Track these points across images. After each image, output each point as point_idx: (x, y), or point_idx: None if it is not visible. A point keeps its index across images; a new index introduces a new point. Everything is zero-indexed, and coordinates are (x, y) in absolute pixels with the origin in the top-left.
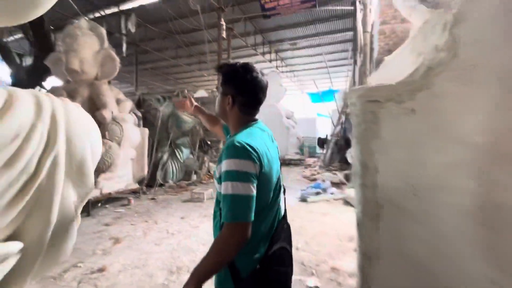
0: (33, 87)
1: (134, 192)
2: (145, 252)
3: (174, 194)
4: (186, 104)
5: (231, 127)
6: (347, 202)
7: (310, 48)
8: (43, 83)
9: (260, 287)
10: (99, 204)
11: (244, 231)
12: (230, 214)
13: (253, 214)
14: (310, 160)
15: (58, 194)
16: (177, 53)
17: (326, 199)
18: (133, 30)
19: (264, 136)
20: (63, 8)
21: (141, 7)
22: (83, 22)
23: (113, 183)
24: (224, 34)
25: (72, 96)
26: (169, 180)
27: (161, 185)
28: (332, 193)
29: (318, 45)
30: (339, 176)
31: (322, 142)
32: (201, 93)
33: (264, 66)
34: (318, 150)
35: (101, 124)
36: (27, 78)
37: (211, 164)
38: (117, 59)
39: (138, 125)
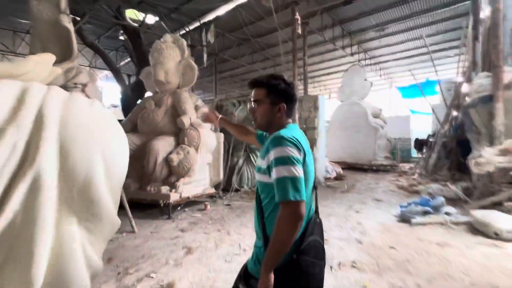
0: (135, 101)
1: (210, 196)
2: (215, 270)
3: (250, 201)
4: (211, 117)
5: (275, 129)
6: (475, 230)
7: (401, 33)
8: (144, 97)
9: (295, 277)
10: (179, 208)
11: (301, 208)
12: (287, 193)
13: (304, 193)
14: (405, 166)
15: (43, 238)
16: (252, 59)
17: (439, 221)
18: (212, 40)
19: (301, 133)
20: (158, 30)
21: (218, 17)
22: (167, 37)
23: (191, 187)
24: (299, 29)
25: (158, 104)
26: (244, 185)
27: (236, 190)
28: (448, 214)
29: (411, 29)
30: (454, 189)
31: (420, 145)
32: None
33: (345, 61)
34: (414, 153)
35: (181, 130)
36: (131, 94)
37: None
38: (196, 67)
39: (214, 130)
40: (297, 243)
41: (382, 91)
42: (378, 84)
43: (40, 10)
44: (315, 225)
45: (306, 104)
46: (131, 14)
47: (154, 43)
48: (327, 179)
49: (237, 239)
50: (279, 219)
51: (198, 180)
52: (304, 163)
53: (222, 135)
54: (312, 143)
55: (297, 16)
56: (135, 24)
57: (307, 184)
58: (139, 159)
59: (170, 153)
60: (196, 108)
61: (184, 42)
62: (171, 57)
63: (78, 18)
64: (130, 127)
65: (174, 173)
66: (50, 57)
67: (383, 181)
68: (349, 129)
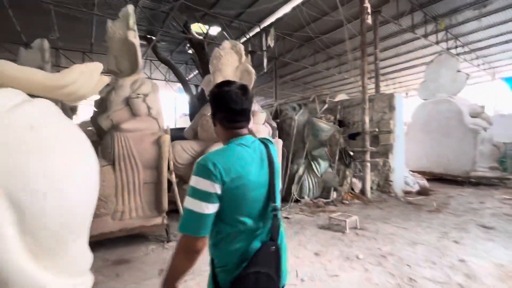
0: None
1: None
2: None
3: (310, 214)
4: None
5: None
6: None
7: (509, 9)
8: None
9: None
10: None
11: (197, 244)
12: (186, 227)
13: (205, 230)
14: None
15: None
16: (315, 59)
17: None
18: (272, 44)
19: (244, 153)
20: (221, 40)
21: (278, 20)
22: (225, 43)
23: None
24: (369, 20)
25: None
26: (305, 196)
27: (296, 200)
28: None
29: None
30: None
31: None
32: (342, 96)
33: (427, 52)
34: None
35: None
36: (197, 103)
37: (354, 180)
38: (253, 72)
39: (273, 136)
40: (235, 274)
41: (481, 85)
42: (475, 77)
43: (114, 30)
44: (264, 255)
45: (378, 104)
46: (197, 28)
47: (214, 51)
48: (406, 193)
49: (294, 264)
50: (175, 247)
51: None
52: (225, 191)
53: (280, 141)
54: (387, 149)
55: (367, 5)
56: (200, 37)
57: (236, 213)
58: None
59: None
60: (253, 114)
61: (242, 47)
62: (229, 63)
63: (154, 38)
64: (192, 134)
65: None
66: (96, 66)
67: (490, 200)
68: (434, 132)
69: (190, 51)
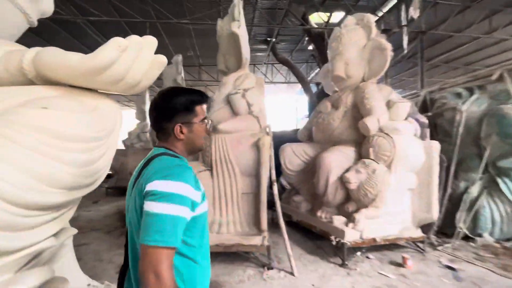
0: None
1: (414, 242)
2: None
3: (498, 268)
4: None
5: None
6: None
7: None
8: None
9: None
10: (359, 253)
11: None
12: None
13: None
14: None
15: None
16: (490, 25)
17: None
18: (416, 15)
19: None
20: None
21: None
22: (348, 19)
23: (379, 224)
24: None
25: (335, 106)
26: (483, 233)
27: (466, 238)
28: None
29: None
30: None
31: None
32: None
33: None
34: None
35: (365, 137)
36: (317, 101)
37: None
38: (388, 47)
39: (422, 137)
40: None
41: None
42: None
43: (221, 26)
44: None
45: None
46: (316, 18)
47: (332, 32)
48: None
49: None
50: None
51: (392, 213)
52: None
53: (436, 144)
54: None
55: None
56: (320, 29)
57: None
58: (312, 174)
59: (347, 170)
60: (389, 104)
61: (371, 18)
62: (352, 42)
63: (274, 39)
64: (306, 135)
65: (352, 199)
66: (147, 40)
67: None
68: None
69: (310, 47)
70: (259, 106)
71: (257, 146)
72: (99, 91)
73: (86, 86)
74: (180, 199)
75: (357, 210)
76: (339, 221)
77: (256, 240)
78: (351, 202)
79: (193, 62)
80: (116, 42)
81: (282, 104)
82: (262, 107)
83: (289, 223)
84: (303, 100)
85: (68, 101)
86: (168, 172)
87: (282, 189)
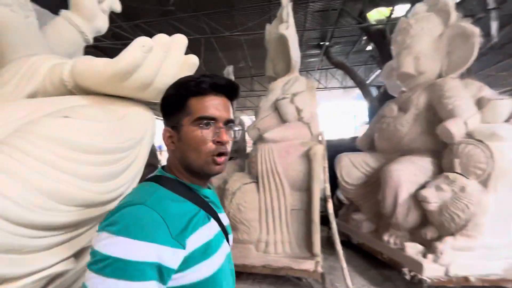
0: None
1: None
2: None
3: None
4: None
5: None
6: None
7: None
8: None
9: None
10: None
11: None
12: None
13: None
14: None
15: None
16: None
17: None
18: None
19: None
20: None
21: None
22: (417, 6)
23: (473, 259)
24: None
25: (403, 108)
26: None
27: None
28: None
29: None
30: None
31: None
32: None
33: None
34: None
35: (445, 145)
36: (378, 105)
37: None
38: (474, 32)
39: None
40: None
41: None
42: None
43: (270, 31)
44: None
45: None
46: (375, 16)
47: (397, 25)
48: None
49: None
50: None
51: (492, 246)
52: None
53: None
54: None
55: None
56: (381, 24)
57: None
58: (375, 188)
59: (423, 186)
60: (482, 103)
61: (449, 2)
62: (424, 32)
63: (327, 43)
64: (367, 143)
65: (431, 222)
66: (175, 40)
67: None
68: None
69: (368, 47)
70: (310, 112)
71: (307, 156)
72: (130, 98)
73: (114, 93)
74: (130, 270)
75: (439, 238)
76: (413, 249)
77: (308, 265)
78: (430, 226)
79: (245, 73)
80: (140, 43)
81: (338, 112)
82: (314, 112)
83: (348, 244)
84: (362, 106)
85: (95, 110)
86: (117, 216)
87: (339, 203)
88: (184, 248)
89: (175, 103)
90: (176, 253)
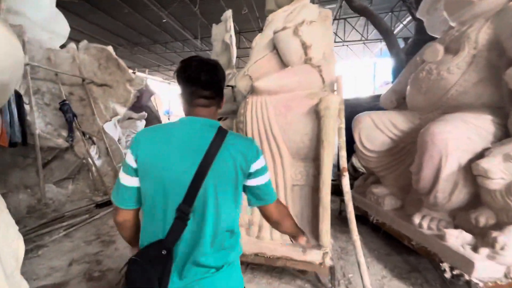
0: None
1: None
2: None
3: None
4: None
5: None
6: None
7: None
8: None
9: None
10: None
11: (115, 212)
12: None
13: (124, 202)
14: None
15: None
16: None
17: None
18: None
19: (173, 131)
20: None
21: None
22: None
23: None
24: None
25: (451, 49)
26: None
27: None
28: None
29: None
30: None
31: None
32: None
33: None
34: None
35: None
36: (406, 58)
37: None
38: None
39: None
40: None
41: None
42: None
43: (216, 33)
44: (151, 251)
45: None
46: None
47: None
48: None
49: None
50: None
51: None
52: (138, 165)
53: None
54: None
55: None
56: None
57: (145, 192)
58: (404, 157)
59: (481, 155)
60: None
61: None
62: None
63: None
64: (395, 100)
65: (487, 205)
66: None
67: None
68: None
69: None
70: (322, 50)
71: (316, 113)
72: None
73: None
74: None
75: (496, 226)
76: (458, 239)
77: (313, 256)
78: (485, 209)
79: (252, 26)
80: None
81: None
82: (328, 52)
83: (363, 220)
84: (384, 64)
85: None
86: (259, 150)
87: (354, 171)
88: None
89: None
90: None
